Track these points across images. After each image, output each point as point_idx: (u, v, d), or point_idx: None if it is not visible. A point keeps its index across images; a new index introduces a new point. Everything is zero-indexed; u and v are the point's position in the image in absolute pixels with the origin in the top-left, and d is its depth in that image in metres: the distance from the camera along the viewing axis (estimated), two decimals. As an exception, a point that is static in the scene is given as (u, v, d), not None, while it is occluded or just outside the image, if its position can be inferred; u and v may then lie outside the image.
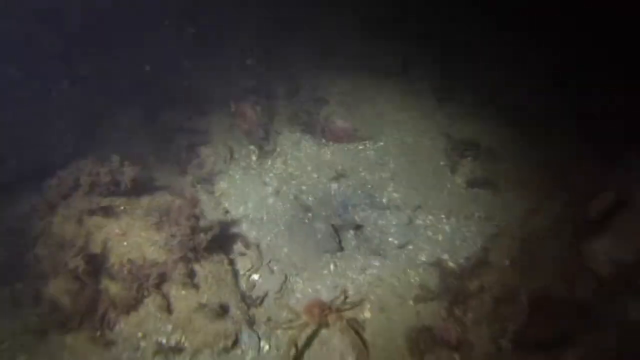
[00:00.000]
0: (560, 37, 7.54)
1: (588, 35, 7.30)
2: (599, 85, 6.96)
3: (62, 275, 4.35)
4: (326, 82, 7.80)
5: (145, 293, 4.56)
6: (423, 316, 4.62)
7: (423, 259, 5.38)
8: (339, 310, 4.54)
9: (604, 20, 6.92)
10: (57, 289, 4.35)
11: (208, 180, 6.50)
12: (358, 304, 4.70)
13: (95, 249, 4.68)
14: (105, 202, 4.99)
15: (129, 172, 5.29)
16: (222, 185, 6.50)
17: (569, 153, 6.45)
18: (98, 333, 4.29)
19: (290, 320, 4.61)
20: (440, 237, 5.65)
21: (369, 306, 4.78)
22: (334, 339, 4.49)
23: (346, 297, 4.82)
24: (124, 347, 4.36)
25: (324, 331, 4.57)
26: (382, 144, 6.96)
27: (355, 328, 4.41)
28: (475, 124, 7.21)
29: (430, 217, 5.91)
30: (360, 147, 6.93)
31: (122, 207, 5.12)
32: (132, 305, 4.49)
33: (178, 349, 4.35)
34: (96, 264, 4.58)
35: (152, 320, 4.51)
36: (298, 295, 5.10)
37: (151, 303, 4.54)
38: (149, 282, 4.54)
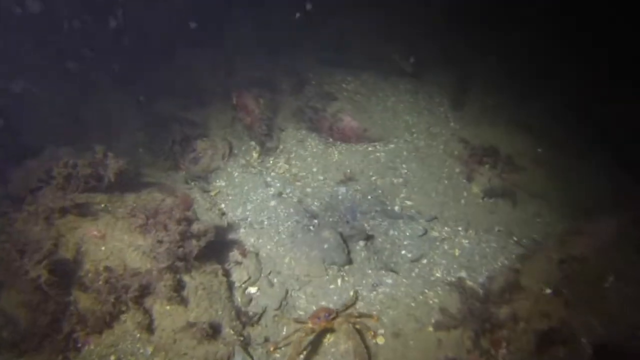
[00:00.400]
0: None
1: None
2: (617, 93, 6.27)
3: (19, 285, 3.39)
4: (335, 78, 6.91)
5: (123, 308, 3.69)
6: (445, 346, 3.78)
7: (438, 274, 4.61)
8: (347, 316, 3.93)
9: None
10: (12, 301, 3.39)
11: (203, 177, 5.58)
12: (368, 316, 4.02)
13: (66, 253, 3.74)
14: (81, 198, 4.02)
15: (113, 165, 4.35)
16: (218, 183, 5.58)
17: (593, 164, 5.75)
18: (60, 357, 3.35)
19: (296, 330, 3.86)
20: (457, 252, 4.85)
21: (382, 331, 3.92)
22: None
23: (356, 300, 4.16)
24: (92, 373, 3.45)
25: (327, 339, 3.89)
26: (393, 146, 6.12)
27: (362, 332, 3.81)
28: (491, 129, 6.41)
29: (446, 228, 5.10)
30: (370, 149, 6.07)
31: (102, 205, 4.16)
32: (106, 322, 3.58)
33: (158, 377, 3.46)
34: (66, 272, 3.63)
35: (129, 340, 3.64)
36: (300, 312, 4.24)
37: (129, 320, 3.66)
38: (128, 294, 3.67)
